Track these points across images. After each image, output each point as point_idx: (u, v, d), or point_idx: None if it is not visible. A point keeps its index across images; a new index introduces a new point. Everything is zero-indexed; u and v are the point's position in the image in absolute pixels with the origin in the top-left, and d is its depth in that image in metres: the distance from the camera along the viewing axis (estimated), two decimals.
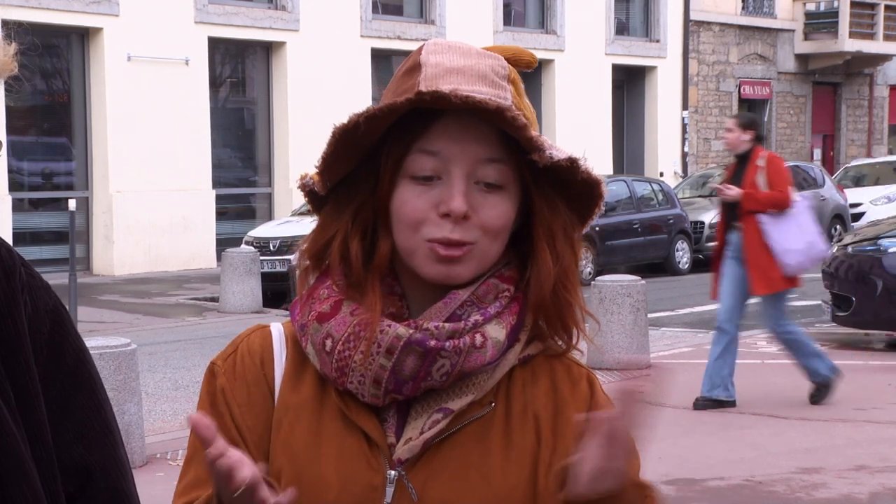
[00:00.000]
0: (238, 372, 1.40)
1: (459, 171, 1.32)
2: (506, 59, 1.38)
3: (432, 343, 1.31)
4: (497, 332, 1.34)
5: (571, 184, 1.36)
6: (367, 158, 1.36)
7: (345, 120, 1.32)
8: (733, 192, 7.68)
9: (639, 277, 9.98)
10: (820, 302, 11.60)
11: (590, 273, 15.87)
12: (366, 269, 1.35)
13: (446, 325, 1.32)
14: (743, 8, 27.14)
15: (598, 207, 1.40)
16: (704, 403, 7.78)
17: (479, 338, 1.32)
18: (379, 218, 1.36)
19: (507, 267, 1.38)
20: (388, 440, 1.34)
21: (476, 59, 1.35)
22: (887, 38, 28.67)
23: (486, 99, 1.28)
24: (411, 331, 1.31)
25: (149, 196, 17.34)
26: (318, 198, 1.40)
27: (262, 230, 15.60)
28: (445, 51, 1.35)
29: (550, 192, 1.37)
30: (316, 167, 1.37)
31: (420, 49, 1.37)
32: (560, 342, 1.41)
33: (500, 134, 1.32)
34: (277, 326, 1.44)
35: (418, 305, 1.36)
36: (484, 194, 1.33)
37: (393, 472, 1.33)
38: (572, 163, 1.34)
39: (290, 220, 15.63)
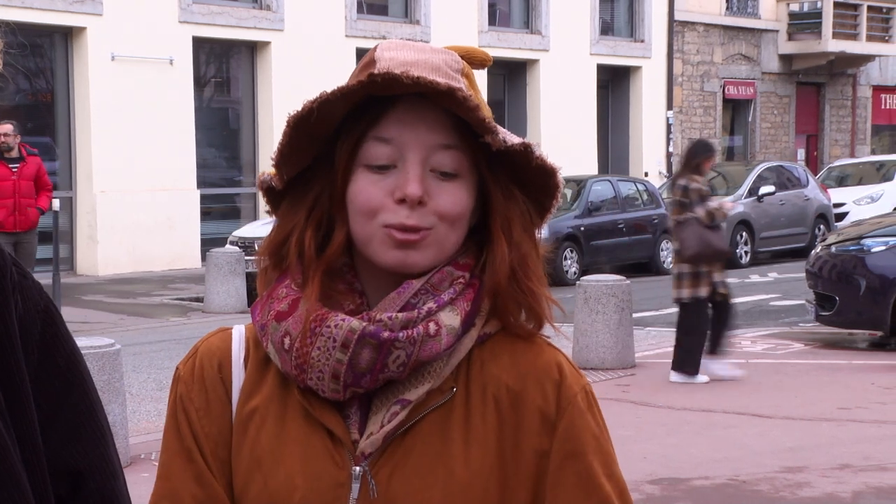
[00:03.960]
0: (197, 376, 1.40)
1: (414, 158, 1.32)
2: (460, 55, 1.38)
3: (386, 334, 1.30)
4: (451, 319, 1.33)
5: (527, 172, 1.36)
6: (322, 153, 1.36)
7: (299, 108, 1.31)
8: None
9: (623, 277, 10.01)
10: (804, 301, 11.65)
11: (575, 273, 15.88)
12: (318, 258, 1.35)
13: (399, 315, 1.32)
14: (727, 8, 27.20)
15: (556, 199, 1.39)
16: None
17: (432, 326, 1.32)
18: (335, 208, 1.36)
19: (464, 255, 1.37)
20: (352, 436, 1.34)
21: (430, 54, 1.35)
22: (870, 38, 28.78)
23: (437, 79, 1.28)
24: (364, 323, 1.31)
25: (133, 196, 17.29)
26: (276, 196, 1.40)
27: (247, 230, 15.57)
28: (400, 48, 1.36)
29: (506, 180, 1.36)
30: (272, 159, 1.36)
31: (375, 48, 1.38)
32: (530, 326, 1.39)
33: (454, 121, 1.32)
34: (239, 329, 1.44)
35: (377, 300, 1.36)
36: (439, 182, 1.33)
37: (357, 468, 1.33)
38: (526, 148, 1.33)
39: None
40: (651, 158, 25.12)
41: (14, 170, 11.88)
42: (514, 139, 1.33)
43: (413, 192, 1.30)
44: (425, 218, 1.32)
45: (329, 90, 1.31)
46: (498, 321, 1.38)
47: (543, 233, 1.42)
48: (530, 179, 1.37)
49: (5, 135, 11.88)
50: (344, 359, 1.31)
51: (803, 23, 28.22)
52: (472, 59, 1.40)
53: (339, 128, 1.35)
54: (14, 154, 11.90)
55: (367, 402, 1.35)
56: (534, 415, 1.35)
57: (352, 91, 1.30)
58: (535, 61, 22.85)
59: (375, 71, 1.30)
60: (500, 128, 1.33)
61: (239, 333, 1.43)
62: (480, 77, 1.45)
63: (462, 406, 1.35)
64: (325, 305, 1.34)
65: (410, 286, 1.34)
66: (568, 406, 1.36)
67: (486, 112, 1.34)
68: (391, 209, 1.32)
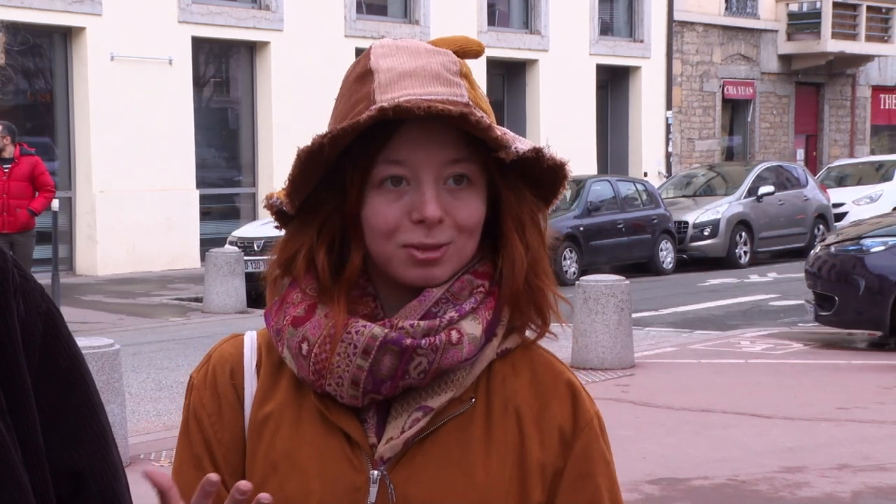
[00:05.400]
0: (209, 383, 1.41)
1: (428, 177, 1.32)
2: (454, 51, 1.37)
3: (408, 342, 1.31)
4: (473, 327, 1.34)
5: (538, 170, 1.36)
6: (329, 171, 1.35)
7: (308, 143, 1.31)
8: None
9: (623, 277, 10.01)
10: (803, 301, 11.65)
11: (574, 273, 15.88)
12: (334, 281, 1.35)
13: (421, 323, 1.32)
14: (726, 8, 27.21)
15: (563, 187, 1.40)
16: None
17: (454, 334, 1.32)
18: (347, 229, 1.35)
19: (481, 262, 1.38)
20: (370, 440, 1.34)
21: (426, 59, 1.33)
22: (869, 38, 28.78)
23: (448, 106, 1.28)
24: (387, 330, 1.31)
25: (132, 196, 17.29)
26: (285, 215, 1.40)
27: (246, 230, 15.57)
28: (394, 53, 1.34)
29: (517, 182, 1.37)
30: (283, 189, 1.36)
31: (368, 53, 1.36)
32: (534, 326, 1.41)
33: (463, 133, 1.32)
34: (251, 335, 1.44)
35: (392, 305, 1.36)
36: (454, 194, 1.33)
37: (375, 472, 1.33)
38: (537, 153, 1.34)
39: (273, 220, 15.59)
40: (650, 158, 25.12)
41: (6, 170, 11.85)
42: (524, 146, 1.33)
43: (431, 215, 1.30)
44: (444, 234, 1.32)
45: (339, 125, 1.30)
46: (518, 336, 1.39)
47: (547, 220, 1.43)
48: (541, 176, 1.37)
49: None
50: (365, 365, 1.31)
51: (802, 23, 28.22)
52: (467, 52, 1.39)
53: (347, 149, 1.33)
54: (7, 154, 11.86)
55: (385, 407, 1.35)
56: (554, 432, 1.37)
57: (362, 125, 1.29)
58: (534, 61, 22.85)
59: (377, 95, 1.30)
60: (510, 135, 1.32)
61: (251, 340, 1.43)
62: (479, 76, 1.43)
63: (483, 417, 1.36)
64: None
65: (431, 294, 1.34)
66: (585, 427, 1.39)
67: (490, 115, 1.34)
68: (409, 229, 1.32)
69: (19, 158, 11.92)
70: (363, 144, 1.32)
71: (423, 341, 1.31)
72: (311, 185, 1.36)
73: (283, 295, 1.39)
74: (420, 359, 1.31)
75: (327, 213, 1.36)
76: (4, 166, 11.86)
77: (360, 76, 1.34)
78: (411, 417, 1.33)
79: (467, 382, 1.35)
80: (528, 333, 1.41)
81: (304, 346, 1.34)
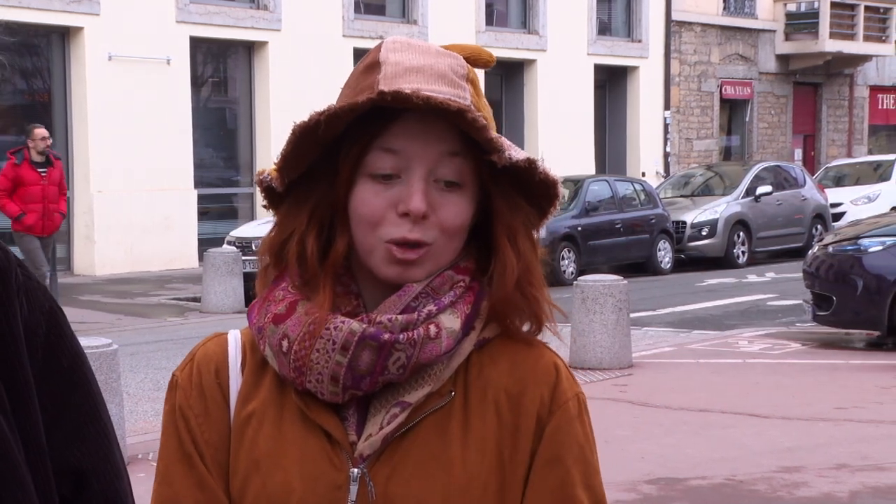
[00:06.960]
0: (195, 383, 1.40)
1: (419, 171, 1.32)
2: (464, 57, 1.38)
3: (386, 336, 1.31)
4: (451, 321, 1.34)
5: (530, 183, 1.37)
6: (325, 154, 1.36)
7: (305, 118, 1.32)
8: None
9: (621, 277, 10.01)
10: (801, 301, 11.66)
11: (572, 273, 15.89)
12: (321, 266, 1.35)
13: (400, 317, 1.32)
14: (724, 8, 27.22)
15: (555, 207, 1.40)
16: None
17: (433, 328, 1.32)
18: (336, 215, 1.36)
19: (464, 259, 1.38)
20: (350, 438, 1.34)
21: (435, 59, 1.35)
22: (867, 38, 28.80)
23: (448, 100, 1.29)
24: (365, 325, 1.31)
25: (130, 196, 17.28)
26: (275, 195, 1.40)
27: (244, 230, 15.56)
28: (405, 49, 1.35)
29: (510, 190, 1.37)
30: (275, 164, 1.37)
31: (379, 46, 1.37)
32: (531, 329, 1.40)
33: (460, 133, 1.32)
34: (234, 334, 1.44)
35: (374, 303, 1.36)
36: (443, 193, 1.33)
37: (356, 470, 1.33)
38: (530, 164, 1.34)
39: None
40: (648, 158, 25.13)
41: (43, 174, 11.81)
42: (519, 155, 1.33)
43: (417, 208, 1.31)
44: (428, 232, 1.32)
45: (337, 105, 1.31)
46: (497, 325, 1.39)
47: (541, 232, 1.43)
48: (534, 188, 1.38)
49: (43, 138, 11.84)
50: (344, 361, 1.31)
51: (800, 23, 28.24)
52: (477, 61, 1.40)
53: (344, 133, 1.34)
54: (41, 158, 11.85)
55: (365, 404, 1.35)
56: (531, 418, 1.36)
57: (361, 107, 1.30)
58: (532, 61, 22.85)
59: (381, 84, 1.31)
60: (505, 141, 1.33)
61: (235, 338, 1.43)
62: (477, 76, 1.45)
63: (461, 410, 1.36)
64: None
65: (411, 289, 1.34)
66: (558, 410, 1.37)
67: (491, 124, 1.34)
68: (394, 222, 1.32)
69: (55, 162, 11.95)
70: (360, 130, 1.33)
71: (402, 336, 1.31)
72: (303, 166, 1.36)
73: (267, 292, 1.39)
74: (398, 353, 1.31)
75: (320, 196, 1.36)
76: (42, 170, 11.83)
77: (368, 67, 1.35)
78: (389, 413, 1.33)
79: (445, 376, 1.35)
80: (514, 330, 1.40)
81: (285, 344, 1.34)
